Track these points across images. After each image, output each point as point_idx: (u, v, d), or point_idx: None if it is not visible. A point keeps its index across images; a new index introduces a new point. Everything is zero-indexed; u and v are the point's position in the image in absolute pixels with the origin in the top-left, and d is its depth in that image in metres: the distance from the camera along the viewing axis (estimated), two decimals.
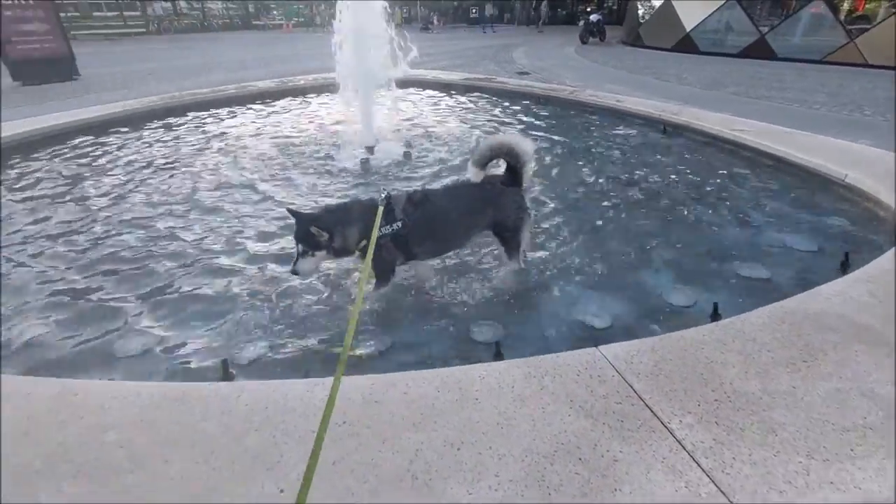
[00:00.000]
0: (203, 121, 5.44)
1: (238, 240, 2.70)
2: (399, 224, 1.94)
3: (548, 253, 2.56)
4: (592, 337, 1.95)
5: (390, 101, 4.90)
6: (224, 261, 2.49)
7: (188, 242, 2.69)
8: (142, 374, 1.73)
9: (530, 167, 2.08)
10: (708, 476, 1.12)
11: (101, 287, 2.28)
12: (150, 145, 4.54)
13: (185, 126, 5.22)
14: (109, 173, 3.79)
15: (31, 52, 9.56)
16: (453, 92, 7.00)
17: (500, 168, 2.17)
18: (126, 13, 26.83)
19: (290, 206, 2.09)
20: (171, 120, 5.41)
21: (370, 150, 4.13)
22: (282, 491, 1.09)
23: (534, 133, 4.90)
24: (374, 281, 2.09)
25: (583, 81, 8.42)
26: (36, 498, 1.08)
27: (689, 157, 4.14)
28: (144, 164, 4.01)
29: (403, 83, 5.40)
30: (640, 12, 16.53)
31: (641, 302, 2.18)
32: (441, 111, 5.91)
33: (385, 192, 1.98)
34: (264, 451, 1.19)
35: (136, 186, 3.52)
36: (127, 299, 2.19)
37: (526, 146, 2.04)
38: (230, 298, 2.18)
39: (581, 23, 17.80)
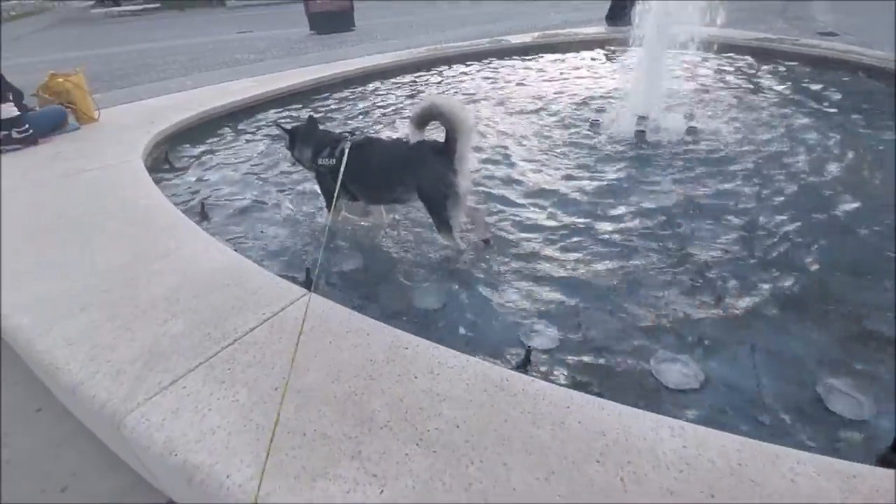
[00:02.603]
0: (464, 73, 5.60)
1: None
2: (333, 160, 2.13)
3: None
4: None
5: (670, 63, 4.18)
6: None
7: None
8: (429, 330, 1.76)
9: (466, 139, 1.95)
10: None
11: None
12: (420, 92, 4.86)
13: (450, 77, 5.45)
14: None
15: (325, 6, 11.36)
16: (733, 54, 5.74)
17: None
18: None
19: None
20: (438, 70, 5.73)
21: (643, 119, 3.59)
22: None
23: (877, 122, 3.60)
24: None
25: None
26: (386, 447, 1.09)
27: None
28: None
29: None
30: None
31: None
32: (723, 78, 4.88)
33: (350, 132, 2.23)
34: (612, 494, 0.99)
35: None
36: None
37: (460, 113, 1.92)
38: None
39: None
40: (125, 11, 21.70)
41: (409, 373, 1.30)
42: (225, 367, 1.35)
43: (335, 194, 2.04)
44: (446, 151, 1.98)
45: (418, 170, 2.04)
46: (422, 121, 2.02)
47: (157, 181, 2.80)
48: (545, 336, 1.72)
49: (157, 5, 21.90)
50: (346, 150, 2.09)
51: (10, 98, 3.19)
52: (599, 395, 1.49)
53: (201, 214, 2.55)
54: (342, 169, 2.05)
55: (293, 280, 1.79)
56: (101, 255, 1.97)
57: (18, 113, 3.22)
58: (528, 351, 1.52)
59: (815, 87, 4.49)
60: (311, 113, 2.55)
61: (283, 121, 4.07)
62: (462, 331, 1.77)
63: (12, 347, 1.84)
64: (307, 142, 2.31)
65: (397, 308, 1.91)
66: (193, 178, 3.14)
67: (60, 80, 3.62)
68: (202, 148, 3.65)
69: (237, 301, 1.62)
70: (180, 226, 2.18)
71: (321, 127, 2.39)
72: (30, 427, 1.66)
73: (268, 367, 1.34)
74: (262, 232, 2.48)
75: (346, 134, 2.22)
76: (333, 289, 1.99)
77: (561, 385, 1.28)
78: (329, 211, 2.26)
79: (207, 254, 1.93)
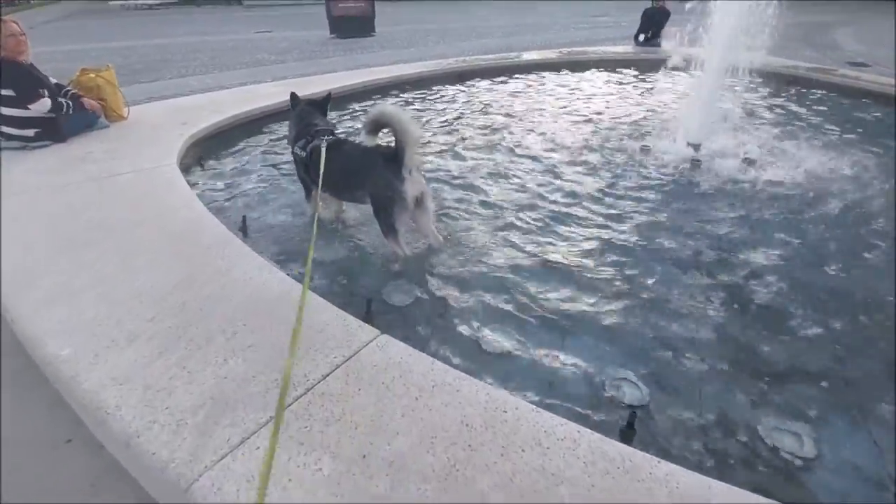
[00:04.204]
0: (495, 88, 5.48)
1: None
2: (305, 153, 2.27)
3: None
4: None
5: (718, 90, 4.05)
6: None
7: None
8: (511, 375, 1.60)
9: (413, 149, 2.00)
10: None
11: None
12: (449, 107, 4.73)
13: (481, 92, 5.32)
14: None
15: (347, 10, 11.27)
16: (770, 83, 5.63)
17: None
18: None
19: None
20: (468, 83, 5.61)
21: (696, 147, 3.46)
22: None
23: None
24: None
25: None
26: None
27: None
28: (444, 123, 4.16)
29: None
30: None
31: None
32: (767, 108, 4.77)
33: (329, 132, 2.31)
34: None
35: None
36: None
37: (407, 124, 1.96)
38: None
39: None
40: (141, 5, 21.65)
41: (514, 444, 1.14)
42: (301, 425, 1.18)
43: (316, 191, 2.16)
44: (396, 159, 2.01)
45: (370, 176, 2.12)
46: (373, 127, 2.09)
47: (193, 188, 2.65)
48: (632, 390, 1.57)
49: (174, 0, 21.86)
50: (318, 148, 2.15)
51: (42, 94, 3.02)
52: (704, 450, 1.35)
53: (242, 229, 2.39)
54: (320, 162, 2.07)
55: (357, 314, 1.63)
56: (143, 274, 1.81)
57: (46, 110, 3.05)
58: (633, 416, 1.36)
59: (868, 120, 4.38)
60: (330, 92, 2.69)
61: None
62: (540, 381, 1.61)
63: (41, 371, 1.68)
64: (298, 121, 2.41)
65: (462, 349, 1.75)
66: (230, 187, 2.98)
67: (92, 75, 3.47)
68: (236, 153, 3.50)
69: (302, 340, 1.46)
70: (227, 243, 2.02)
71: (316, 115, 2.45)
72: (60, 460, 1.49)
73: (349, 426, 1.18)
74: (307, 251, 2.31)
75: (327, 131, 2.31)
76: (394, 326, 1.82)
77: (649, 451, 1.11)
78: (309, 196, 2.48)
79: (261, 279, 1.77)
